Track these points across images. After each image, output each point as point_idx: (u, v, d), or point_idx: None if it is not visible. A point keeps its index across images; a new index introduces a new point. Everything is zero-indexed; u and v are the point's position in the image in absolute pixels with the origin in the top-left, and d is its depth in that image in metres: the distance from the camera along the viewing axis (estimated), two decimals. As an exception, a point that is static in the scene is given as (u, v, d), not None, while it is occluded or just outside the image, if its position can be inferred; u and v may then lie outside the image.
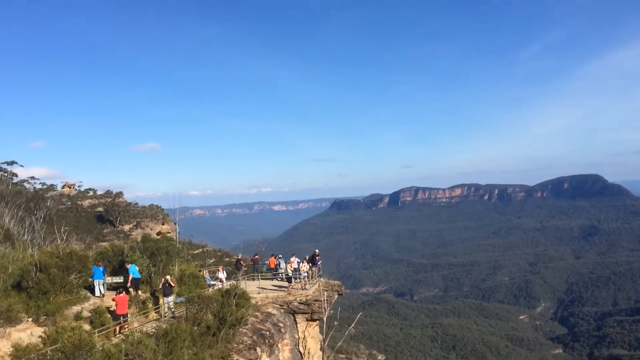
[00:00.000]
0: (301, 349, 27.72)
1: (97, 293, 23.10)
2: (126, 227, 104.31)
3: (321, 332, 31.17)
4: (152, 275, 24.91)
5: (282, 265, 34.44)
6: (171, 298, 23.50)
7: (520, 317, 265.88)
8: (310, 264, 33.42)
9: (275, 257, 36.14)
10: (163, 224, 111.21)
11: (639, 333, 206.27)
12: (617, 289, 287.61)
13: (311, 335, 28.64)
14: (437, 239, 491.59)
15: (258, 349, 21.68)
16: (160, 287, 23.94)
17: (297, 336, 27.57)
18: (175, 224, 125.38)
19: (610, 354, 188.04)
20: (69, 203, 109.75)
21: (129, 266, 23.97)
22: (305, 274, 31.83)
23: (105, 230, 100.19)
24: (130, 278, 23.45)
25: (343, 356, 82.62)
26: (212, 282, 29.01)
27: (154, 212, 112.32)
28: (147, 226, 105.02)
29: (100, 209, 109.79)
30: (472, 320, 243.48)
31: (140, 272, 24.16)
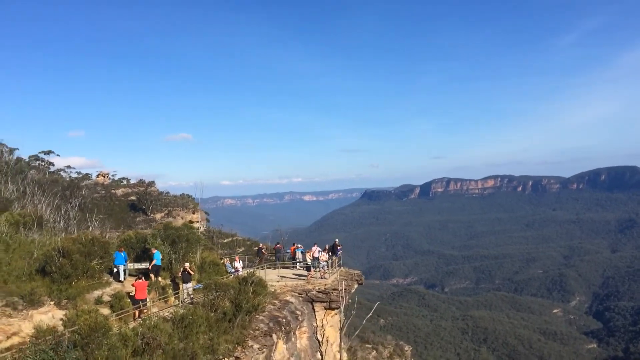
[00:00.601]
0: (319, 337, 27.95)
1: (121, 278, 23.76)
2: (158, 216, 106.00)
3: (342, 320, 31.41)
4: (173, 262, 25.46)
5: (299, 255, 34.80)
6: (190, 285, 24.01)
7: (554, 311, 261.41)
8: (330, 253, 33.65)
9: (296, 246, 36.46)
10: (194, 213, 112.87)
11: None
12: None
13: (330, 324, 28.83)
14: (468, 230, 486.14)
15: (274, 336, 21.93)
16: (180, 274, 24.47)
17: (315, 324, 27.79)
18: (206, 212, 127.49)
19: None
20: (103, 192, 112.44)
21: (154, 251, 24.60)
22: (325, 263, 32.02)
23: (137, 219, 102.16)
24: (152, 264, 24.08)
25: (369, 346, 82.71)
26: (232, 270, 29.43)
27: (185, 201, 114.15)
28: (178, 215, 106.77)
29: (133, 197, 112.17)
30: (503, 313, 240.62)
31: (162, 259, 24.73)
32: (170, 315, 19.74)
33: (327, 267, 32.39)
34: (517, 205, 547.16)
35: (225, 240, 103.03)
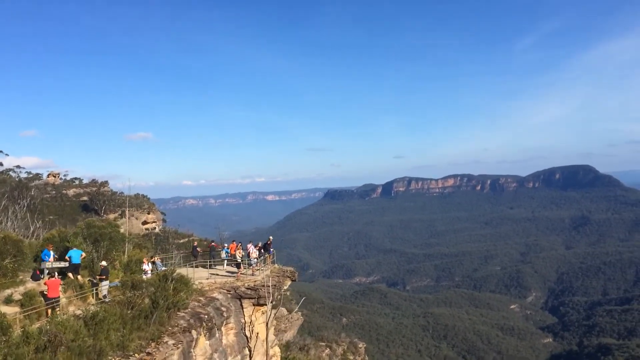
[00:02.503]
0: (248, 333, 27.98)
1: (44, 276, 23.19)
2: (111, 216, 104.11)
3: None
4: (95, 260, 25.09)
5: (223, 254, 34.89)
6: (106, 282, 23.62)
7: (511, 307, 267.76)
8: (262, 250, 33.74)
9: (235, 244, 36.39)
10: (149, 213, 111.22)
11: (628, 322, 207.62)
12: (607, 278, 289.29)
13: (260, 321, 28.91)
14: (429, 229, 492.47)
15: (194, 332, 21.84)
16: (99, 273, 24.15)
17: (243, 320, 27.82)
18: (163, 213, 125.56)
19: (600, 343, 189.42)
20: (54, 192, 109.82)
21: (71, 250, 24.19)
22: (255, 260, 32.09)
23: (89, 220, 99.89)
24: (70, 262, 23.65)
25: (323, 344, 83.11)
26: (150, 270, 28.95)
27: (140, 202, 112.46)
28: (132, 215, 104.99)
29: (85, 198, 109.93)
30: (463, 309, 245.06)
31: (82, 258, 24.31)
32: (82, 313, 19.48)
33: (258, 263, 32.48)
34: (476, 203, 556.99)
35: (182, 241, 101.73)
